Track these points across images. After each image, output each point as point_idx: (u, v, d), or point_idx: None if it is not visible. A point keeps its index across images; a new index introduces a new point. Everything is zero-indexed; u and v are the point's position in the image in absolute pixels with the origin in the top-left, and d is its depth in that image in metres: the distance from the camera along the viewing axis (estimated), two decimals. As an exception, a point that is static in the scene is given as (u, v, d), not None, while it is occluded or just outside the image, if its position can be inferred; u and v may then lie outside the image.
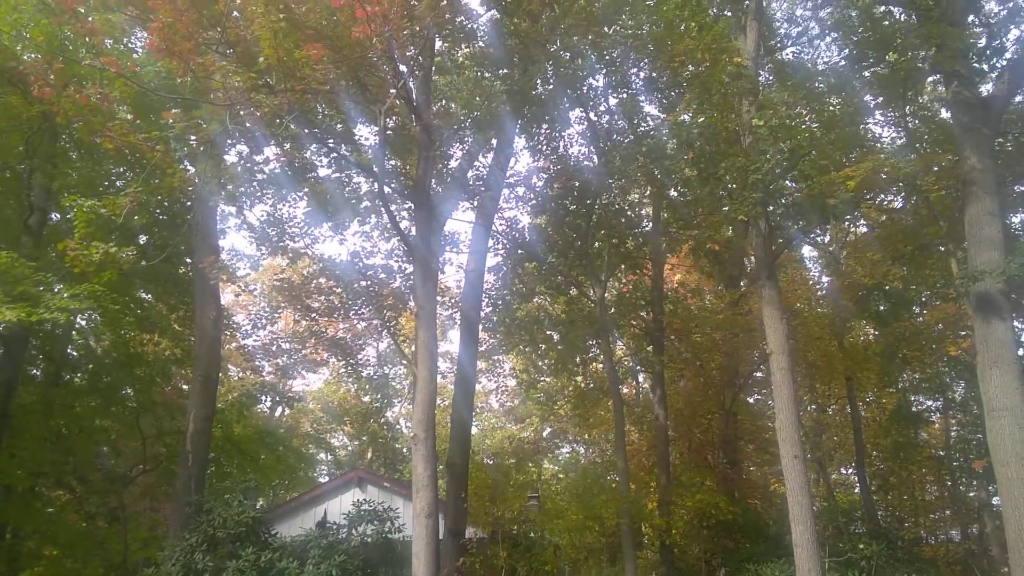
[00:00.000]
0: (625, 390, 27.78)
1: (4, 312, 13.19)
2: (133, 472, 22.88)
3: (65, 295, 14.34)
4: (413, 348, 15.11)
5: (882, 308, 21.07)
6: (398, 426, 36.50)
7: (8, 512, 20.26)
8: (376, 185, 16.98)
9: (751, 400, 27.11)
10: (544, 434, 33.49)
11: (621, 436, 18.83)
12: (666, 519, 17.70)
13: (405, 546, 14.52)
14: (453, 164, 19.68)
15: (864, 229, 22.47)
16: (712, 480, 20.80)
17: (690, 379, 24.61)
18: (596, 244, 21.15)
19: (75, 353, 22.87)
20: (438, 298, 18.70)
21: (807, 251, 24.67)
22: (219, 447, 22.20)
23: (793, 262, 23.35)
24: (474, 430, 25.02)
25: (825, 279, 24.70)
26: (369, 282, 20.24)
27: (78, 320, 20.98)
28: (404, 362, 27.76)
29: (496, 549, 17.18)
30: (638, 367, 26.66)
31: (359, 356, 25.51)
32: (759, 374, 24.19)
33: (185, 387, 23.25)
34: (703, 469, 22.02)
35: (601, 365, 23.94)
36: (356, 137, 17.47)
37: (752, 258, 20.57)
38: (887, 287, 20.21)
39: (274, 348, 26.62)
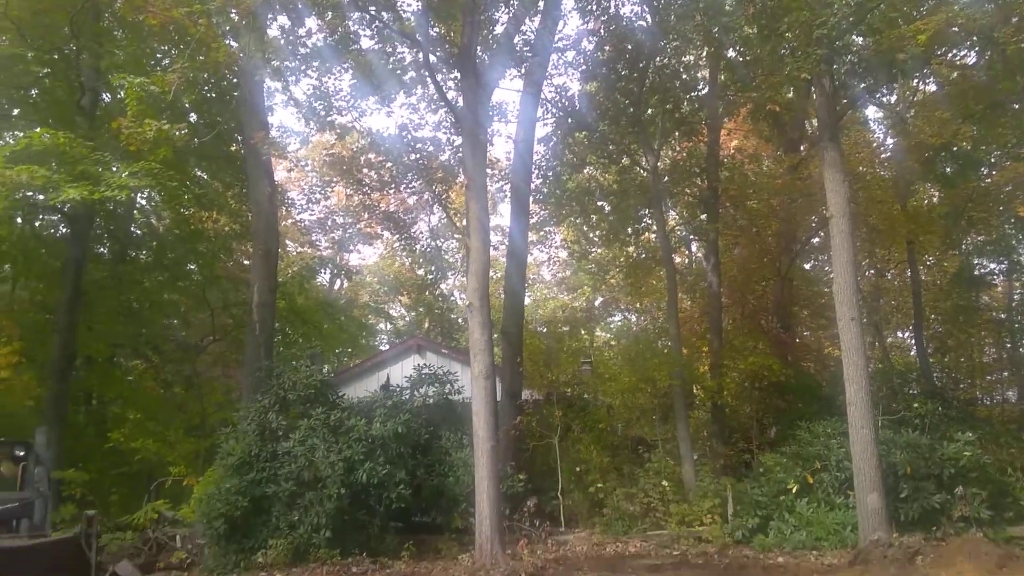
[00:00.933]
0: (678, 259, 27.67)
1: (68, 191, 13.65)
2: (204, 342, 24.11)
3: (124, 173, 14.73)
4: (464, 222, 15.19)
5: (948, 169, 20.19)
6: (452, 297, 37.28)
7: (91, 380, 21.75)
8: (420, 54, 16.60)
9: (807, 266, 26.83)
10: (596, 303, 33.89)
11: (674, 304, 18.96)
12: (717, 381, 18.03)
13: (465, 407, 15.19)
14: (499, 29, 19.00)
15: (933, 87, 21.22)
16: (765, 344, 20.96)
17: (745, 246, 24.34)
18: (649, 110, 20.48)
19: (138, 231, 23.71)
20: (488, 170, 18.60)
21: (871, 112, 23.51)
22: (284, 317, 23.13)
23: (856, 124, 22.32)
24: (527, 301, 25.40)
25: (889, 141, 23.69)
26: (418, 155, 20.21)
27: (139, 199, 21.57)
28: (456, 235, 28.06)
29: (551, 409, 17.84)
30: (691, 236, 26.45)
31: (412, 230, 25.81)
32: (816, 240, 23.78)
33: (247, 262, 24.02)
34: (756, 334, 22.15)
35: (653, 235, 23.78)
36: (398, 4, 16.93)
37: (814, 120, 19.71)
38: (955, 147, 19.30)
39: (329, 223, 27.05)
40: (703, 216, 22.06)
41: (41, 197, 16.24)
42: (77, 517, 15.27)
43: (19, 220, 19.82)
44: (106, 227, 21.66)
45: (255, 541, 13.00)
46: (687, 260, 29.56)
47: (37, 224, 21.27)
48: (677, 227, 24.72)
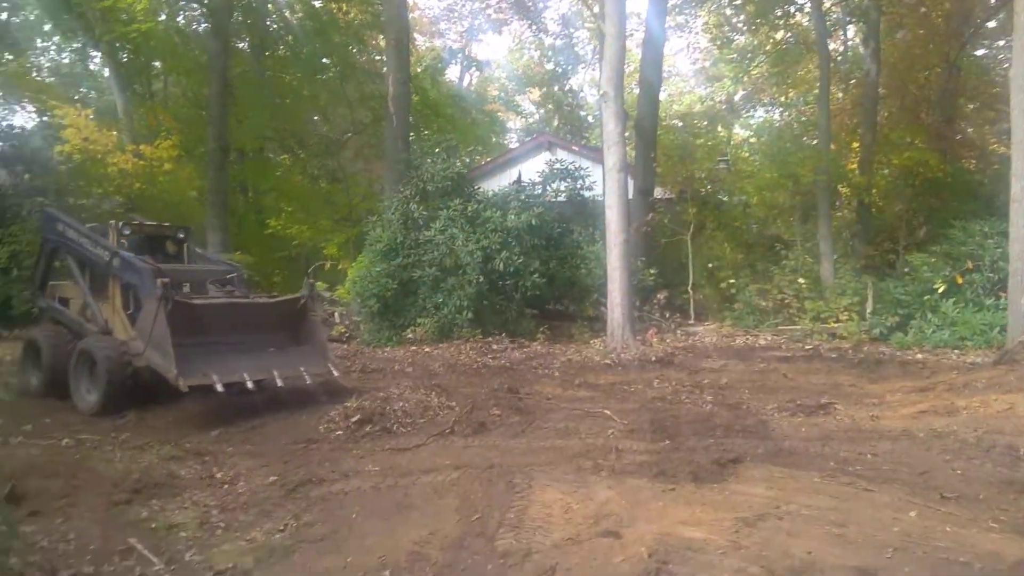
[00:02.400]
0: (831, 45, 25.23)
1: (206, -23, 13.76)
2: (344, 136, 24.91)
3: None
4: (598, 7, 14.29)
5: None
6: (582, 93, 36.20)
7: (246, 172, 23.16)
8: None
9: (979, 53, 23.83)
10: (736, 97, 31.95)
11: (825, 92, 17.57)
12: (867, 177, 16.99)
13: (595, 204, 15.22)
14: None
15: None
16: (923, 138, 19.32)
17: (910, 29, 21.80)
18: None
19: (275, 25, 23.95)
20: (626, -54, 17.14)
21: None
22: (418, 112, 23.36)
23: None
24: (662, 95, 24.25)
25: None
26: (551, -70, 18.81)
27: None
28: (589, 23, 26.64)
29: (684, 207, 17.59)
30: (849, 18, 23.89)
31: (541, 17, 24.65)
32: (993, 23, 20.91)
33: (379, 58, 24.02)
34: (914, 127, 20.38)
35: (805, 18, 21.63)
36: None
37: None
38: None
39: (456, 11, 26.21)
40: (866, -5, 19.72)
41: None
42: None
43: (163, 16, 20.41)
44: (244, 21, 21.98)
45: (405, 319, 14.10)
46: (841, 46, 26.91)
47: (180, 20, 21.88)
48: (833, 8, 22.32)
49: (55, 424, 7.50)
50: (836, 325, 14.11)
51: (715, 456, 5.92)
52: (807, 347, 12.89)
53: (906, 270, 14.89)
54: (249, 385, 7.86)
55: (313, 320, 9.30)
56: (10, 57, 24.76)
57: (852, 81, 23.04)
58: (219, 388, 7.67)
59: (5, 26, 25.01)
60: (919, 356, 11.74)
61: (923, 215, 17.79)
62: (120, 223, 9.55)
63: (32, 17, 24.90)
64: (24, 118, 25.76)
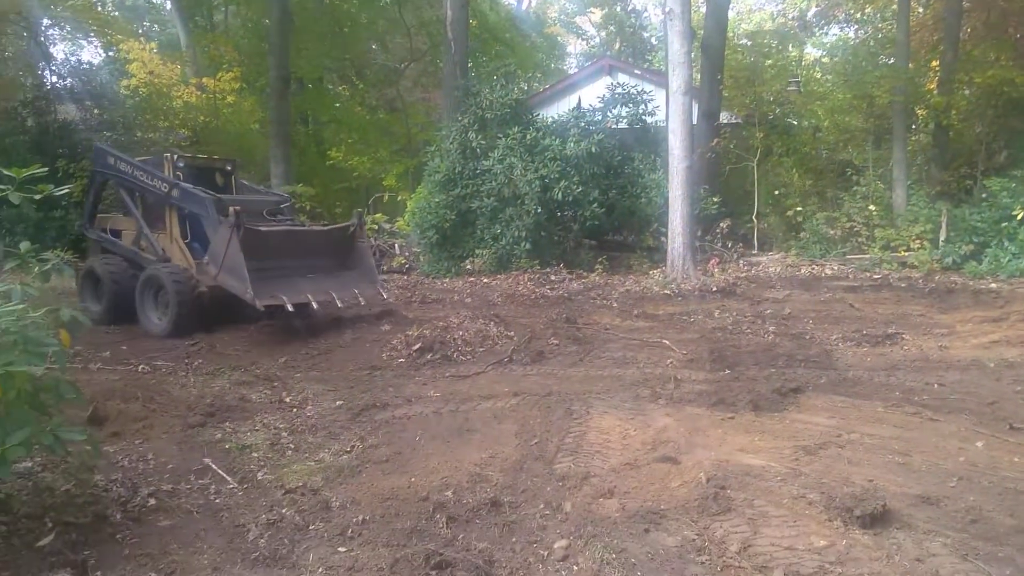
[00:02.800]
0: (914, -45, 23.60)
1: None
2: (402, 65, 24.70)
3: None
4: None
5: None
6: (645, 14, 34.91)
7: (306, 103, 23.29)
8: None
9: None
10: (809, 14, 30.33)
11: (905, 6, 16.49)
12: (946, 98, 16.05)
13: (658, 130, 14.83)
14: None
15: None
16: (1008, 55, 18.07)
17: (1002, -64, 20.17)
18: None
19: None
20: None
21: None
22: (476, 37, 22.94)
23: None
24: (731, 13, 23.17)
25: None
26: None
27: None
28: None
29: (751, 131, 16.98)
30: (934, -75, 22.20)
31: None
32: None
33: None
34: (1000, 44, 19.05)
35: (887, -77, 20.21)
36: None
37: None
38: None
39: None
40: None
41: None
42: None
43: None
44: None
45: (463, 250, 14.19)
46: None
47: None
48: (918, -85, 20.80)
49: (131, 351, 7.88)
50: (907, 253, 13.63)
51: (776, 385, 5.86)
52: (876, 276, 12.51)
53: (983, 196, 14.19)
54: (314, 305, 8.45)
55: (362, 247, 9.74)
56: (76, -10, 25.14)
57: (933, -4, 21.57)
58: (289, 308, 8.14)
59: (70, -40, 25.34)
60: (993, 285, 11.30)
61: (1004, 138, 16.77)
62: (175, 155, 9.94)
63: (95, -50, 25.17)
64: (91, 53, 26.33)
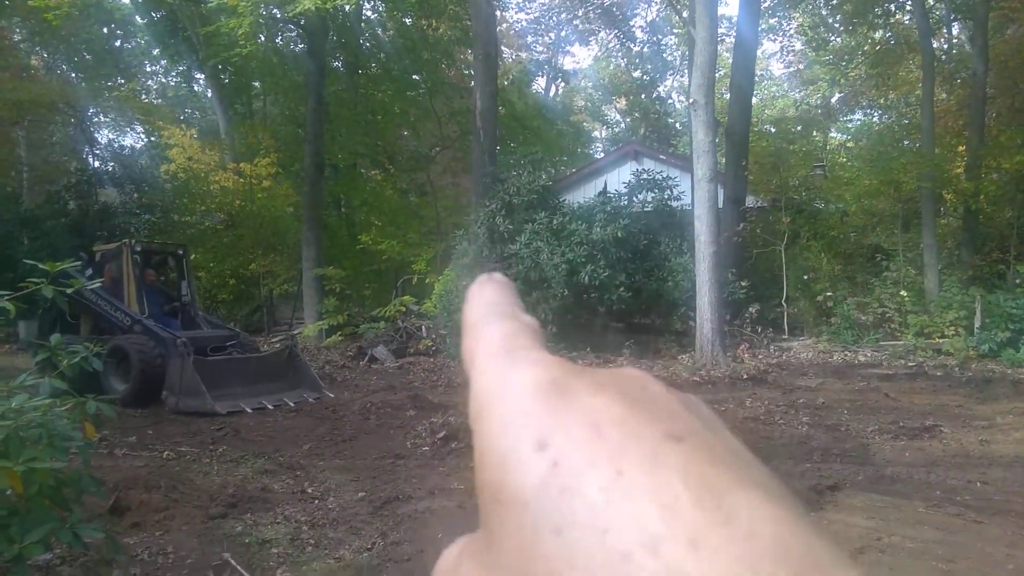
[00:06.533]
0: (935, 44, 24.03)
1: (303, 2, 14.33)
2: (433, 151, 25.35)
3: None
4: (686, 14, 14.04)
5: None
6: (670, 100, 35.71)
7: (339, 187, 23.91)
8: None
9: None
10: (832, 100, 30.83)
11: (929, 93, 16.72)
12: (974, 183, 16.04)
13: (684, 214, 14.92)
14: None
15: None
16: (1037, 141, 18.12)
17: (1021, 24, 20.52)
18: None
19: (367, 44, 24.66)
20: (715, -50, 16.79)
21: None
22: (504, 124, 23.57)
23: None
24: (754, 99, 23.68)
25: None
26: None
27: (365, 9, 22.24)
28: (677, 29, 26.27)
29: (777, 215, 17.03)
30: (954, 15, 22.69)
31: (630, 24, 24.51)
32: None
33: (467, 72, 24.37)
34: (1028, 129, 19.14)
35: (907, 16, 20.68)
36: None
37: None
38: None
39: (544, 23, 26.39)
40: (972, -11, 18.70)
41: (278, 13, 17.28)
42: (338, 308, 17.52)
43: (262, 37, 21.30)
44: (339, 40, 22.73)
45: (490, 333, 14.13)
46: (944, 45, 25.59)
47: (278, 41, 22.81)
48: (936, 5, 21.27)
49: (157, 435, 7.88)
50: (941, 341, 13.35)
51: (812, 482, 5.67)
52: (910, 364, 12.25)
53: (1017, 281, 13.98)
54: (270, 407, 9.35)
55: (300, 363, 10.83)
56: (122, 81, 26.41)
57: (958, 81, 21.88)
58: (248, 410, 9.06)
59: (118, 52, 26.72)
60: (1033, 375, 10.99)
61: (1035, 223, 16.67)
62: (133, 242, 11.08)
63: (143, 43, 26.52)
64: (133, 138, 27.44)
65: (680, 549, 0.22)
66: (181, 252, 11.84)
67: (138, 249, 10.92)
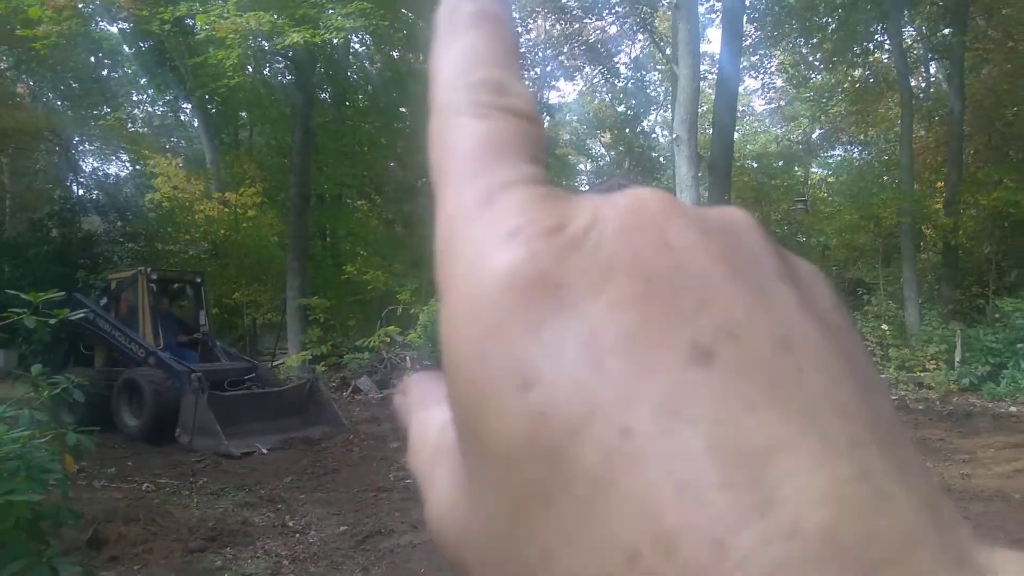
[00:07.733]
0: (912, 82, 24.59)
1: (291, 35, 14.48)
2: (419, 183, 25.44)
3: (338, 15, 15.36)
4: (669, 51, 14.31)
5: None
6: (654, 135, 36.13)
7: (325, 217, 23.92)
8: None
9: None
10: (813, 136, 31.33)
11: (908, 131, 17.09)
12: (953, 219, 16.34)
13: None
14: None
15: None
16: (1012, 177, 18.50)
17: (997, 64, 21.07)
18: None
19: (355, 76, 24.84)
20: (697, -11, 17.17)
21: None
22: (490, 157, 23.70)
23: None
24: (736, 134, 24.01)
25: None
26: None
27: (353, 42, 22.45)
28: (660, 65, 26.71)
29: (760, 249, 17.21)
30: (931, 55, 23.27)
31: (614, 60, 24.89)
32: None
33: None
34: (1003, 166, 19.55)
35: (885, 55, 21.18)
36: None
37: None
38: None
39: (529, 58, 26.73)
40: (947, 30, 19.20)
41: (266, 45, 17.43)
42: (322, 339, 17.43)
43: (249, 68, 21.41)
44: (326, 73, 22.89)
45: (474, 365, 14.09)
46: (922, 83, 26.17)
47: (266, 72, 22.94)
48: (914, 44, 21.79)
49: (136, 466, 7.77)
50: (923, 374, 13.49)
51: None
52: (892, 398, 12.32)
53: (996, 316, 14.18)
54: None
55: (321, 398, 10.48)
56: (108, 110, 26.40)
57: (936, 119, 22.36)
58: (264, 451, 8.66)
59: (105, 81, 26.74)
60: (1013, 408, 11.11)
61: (1014, 258, 16.97)
62: (148, 270, 10.71)
63: (130, 72, 26.57)
64: (118, 167, 27.37)
65: (701, 553, 0.16)
66: (199, 280, 11.41)
67: (154, 277, 10.55)
